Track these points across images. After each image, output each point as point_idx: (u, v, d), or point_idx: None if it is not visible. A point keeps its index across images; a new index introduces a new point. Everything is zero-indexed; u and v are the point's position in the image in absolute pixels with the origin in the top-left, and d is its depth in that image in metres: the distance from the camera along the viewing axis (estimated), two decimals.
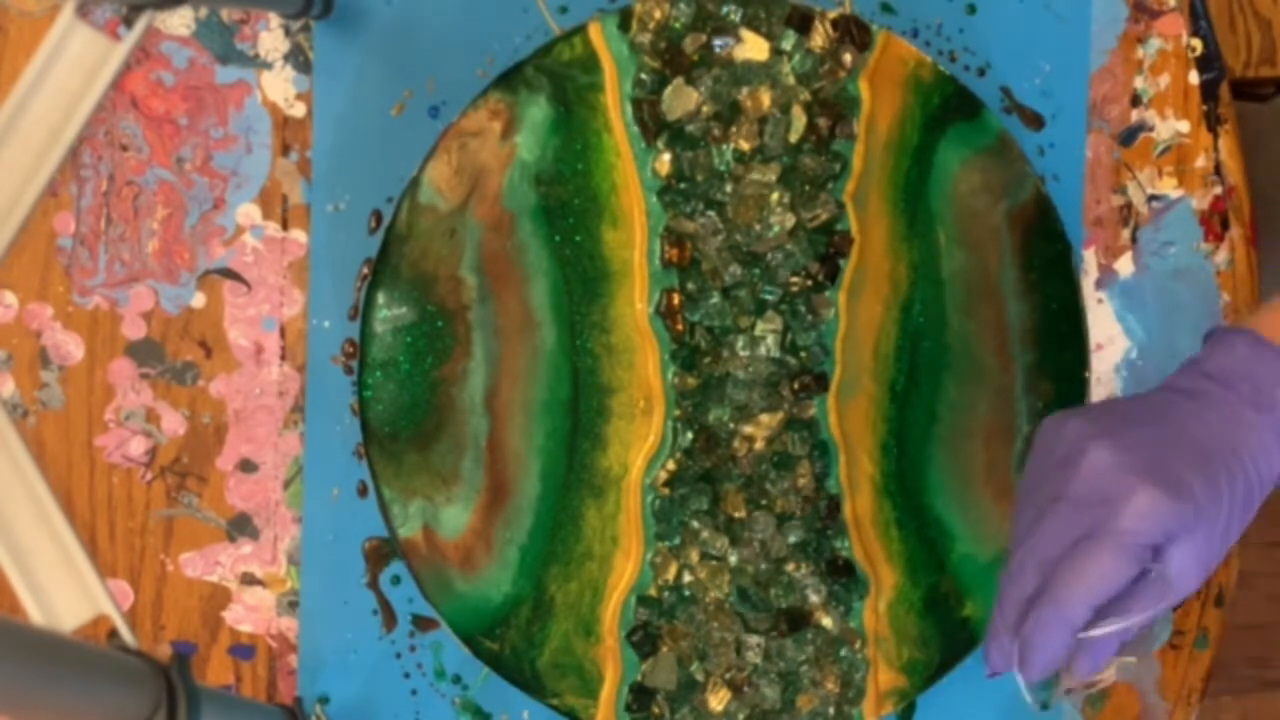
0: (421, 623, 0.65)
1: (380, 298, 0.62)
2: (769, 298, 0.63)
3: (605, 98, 0.63)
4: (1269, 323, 0.55)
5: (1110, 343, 0.67)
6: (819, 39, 0.62)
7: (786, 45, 0.62)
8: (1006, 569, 0.54)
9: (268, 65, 0.65)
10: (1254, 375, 0.53)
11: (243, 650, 0.66)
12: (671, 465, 0.63)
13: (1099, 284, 0.67)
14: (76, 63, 0.64)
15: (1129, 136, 0.68)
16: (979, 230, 0.64)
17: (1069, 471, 0.52)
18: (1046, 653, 0.52)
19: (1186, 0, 0.67)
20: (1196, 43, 0.67)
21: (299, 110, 0.65)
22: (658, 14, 0.62)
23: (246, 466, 0.65)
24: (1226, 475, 0.52)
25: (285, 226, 0.65)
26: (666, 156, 0.63)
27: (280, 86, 0.65)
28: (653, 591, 0.63)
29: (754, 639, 0.63)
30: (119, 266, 0.65)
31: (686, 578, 0.63)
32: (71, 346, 0.65)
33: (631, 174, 0.63)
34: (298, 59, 0.65)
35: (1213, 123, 0.68)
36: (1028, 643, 0.52)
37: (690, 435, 0.63)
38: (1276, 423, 0.53)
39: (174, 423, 0.65)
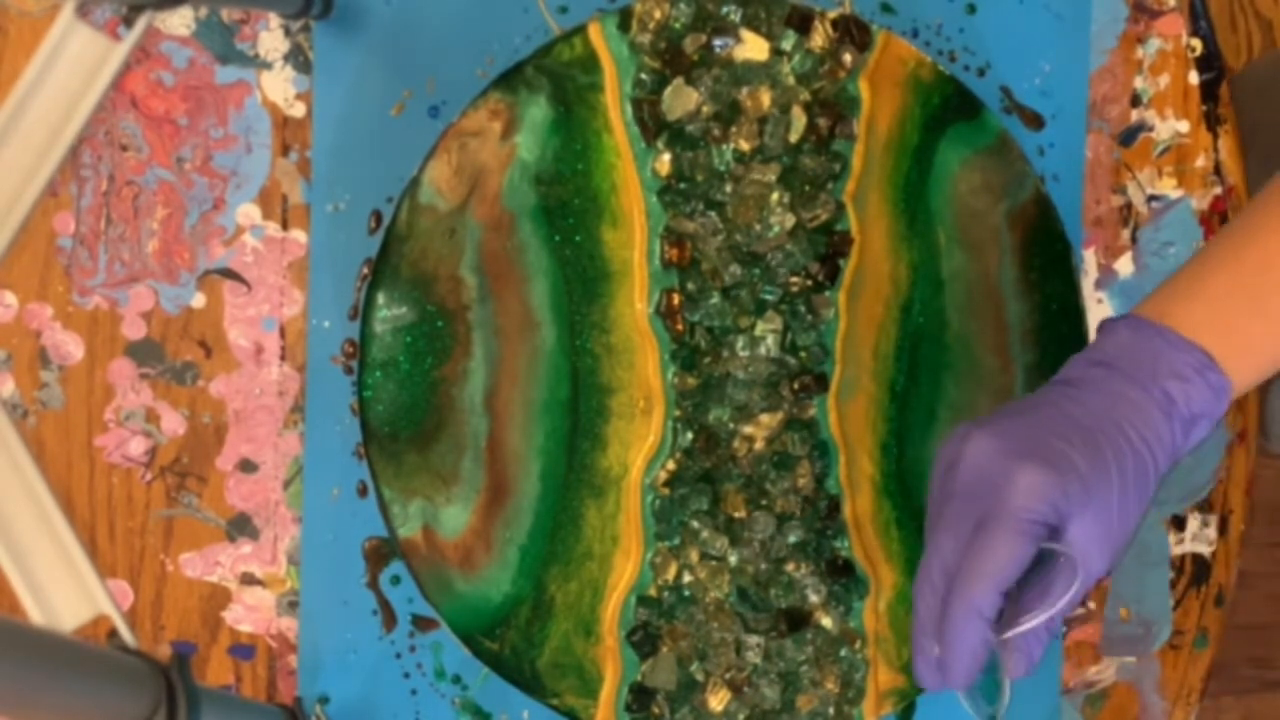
0: (421, 623, 0.65)
1: (380, 298, 0.62)
2: (769, 298, 0.63)
3: (605, 98, 0.63)
4: (1153, 306, 0.55)
5: None
6: (819, 39, 0.62)
7: (786, 45, 0.62)
8: (915, 580, 0.54)
9: (268, 65, 0.65)
10: (1135, 354, 0.54)
11: (243, 650, 0.66)
12: (671, 465, 0.63)
13: (1099, 284, 0.67)
14: (76, 63, 0.64)
15: (1129, 136, 0.68)
16: (979, 230, 0.64)
17: (954, 470, 0.53)
18: (965, 650, 0.52)
19: (1186, 0, 0.67)
20: (1196, 43, 0.67)
21: (299, 110, 0.65)
22: (658, 14, 0.62)
23: (246, 466, 0.65)
24: (1113, 450, 0.52)
25: (285, 226, 0.65)
26: (666, 156, 0.63)
27: (280, 86, 0.65)
28: (653, 591, 0.63)
29: (754, 639, 0.63)
30: (119, 266, 0.65)
31: (686, 578, 0.63)
32: (71, 346, 0.65)
33: (631, 174, 0.63)
34: (298, 59, 0.65)
35: (1213, 123, 0.68)
36: (946, 645, 0.53)
37: (690, 435, 0.63)
38: (1163, 400, 0.53)
39: (174, 423, 0.65)
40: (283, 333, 0.65)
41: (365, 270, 0.65)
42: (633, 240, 0.63)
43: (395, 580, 0.65)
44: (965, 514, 0.52)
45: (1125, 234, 0.68)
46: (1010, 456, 0.51)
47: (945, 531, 0.53)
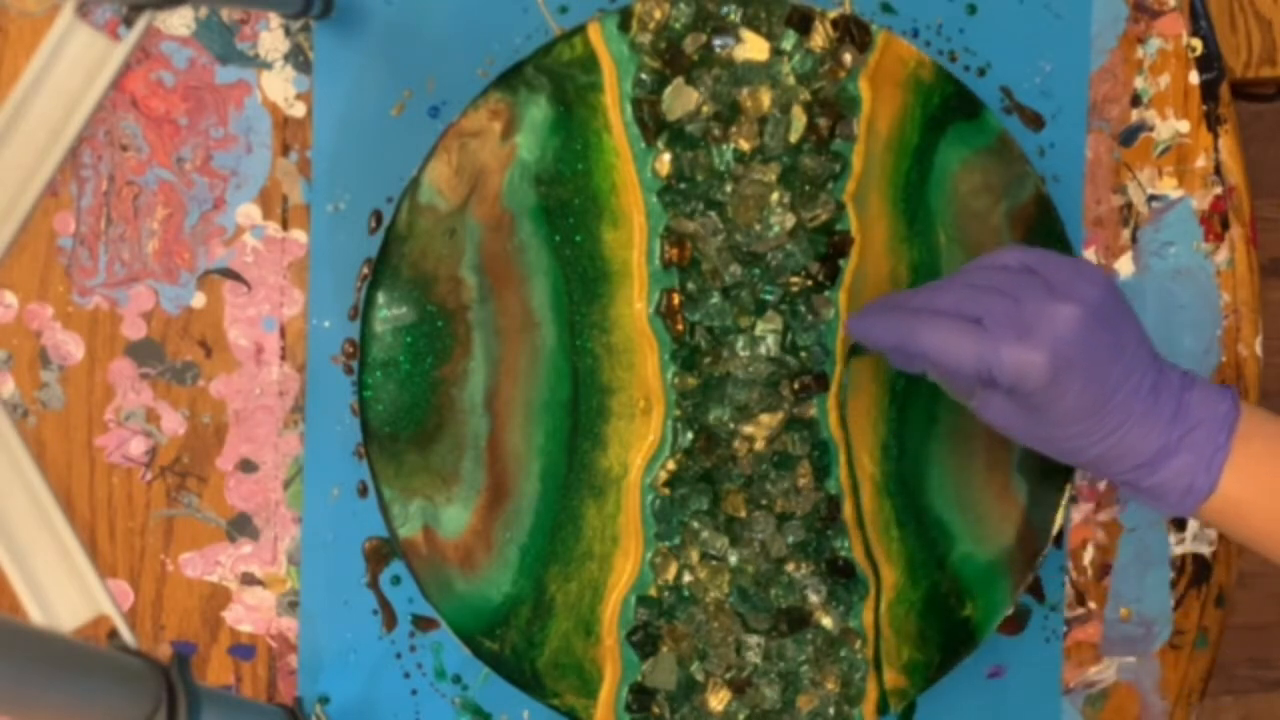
0: (421, 623, 0.65)
1: (380, 298, 0.62)
2: (769, 298, 0.63)
3: (605, 98, 0.63)
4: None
5: None
6: (819, 39, 0.62)
7: (786, 45, 0.62)
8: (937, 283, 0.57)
9: (268, 65, 0.65)
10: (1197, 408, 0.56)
11: (243, 650, 0.66)
12: (671, 465, 0.63)
13: None
14: (76, 63, 0.64)
15: (1129, 136, 0.68)
16: (979, 230, 0.64)
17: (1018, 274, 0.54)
18: (876, 326, 0.57)
19: (1186, 0, 0.67)
20: (1196, 43, 0.67)
21: (299, 110, 0.65)
22: (658, 14, 0.62)
23: (246, 466, 0.65)
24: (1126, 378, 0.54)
25: (285, 226, 0.65)
26: (666, 156, 0.63)
27: (280, 86, 0.65)
28: (653, 591, 0.63)
29: (754, 639, 0.63)
30: (119, 266, 0.65)
31: (686, 578, 0.63)
32: (71, 346, 0.65)
33: (631, 174, 0.63)
34: (298, 59, 0.65)
35: (1213, 123, 0.68)
36: (875, 312, 0.57)
37: (690, 435, 0.63)
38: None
39: (174, 423, 0.65)
40: (283, 333, 0.65)
41: (365, 270, 0.65)
42: (633, 240, 0.63)
43: (395, 580, 0.65)
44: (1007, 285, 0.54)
45: (1125, 234, 0.68)
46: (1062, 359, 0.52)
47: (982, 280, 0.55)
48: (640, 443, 0.63)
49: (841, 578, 0.63)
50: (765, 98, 0.62)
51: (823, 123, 0.63)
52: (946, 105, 0.63)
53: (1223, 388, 0.55)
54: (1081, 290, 0.53)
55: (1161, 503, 0.56)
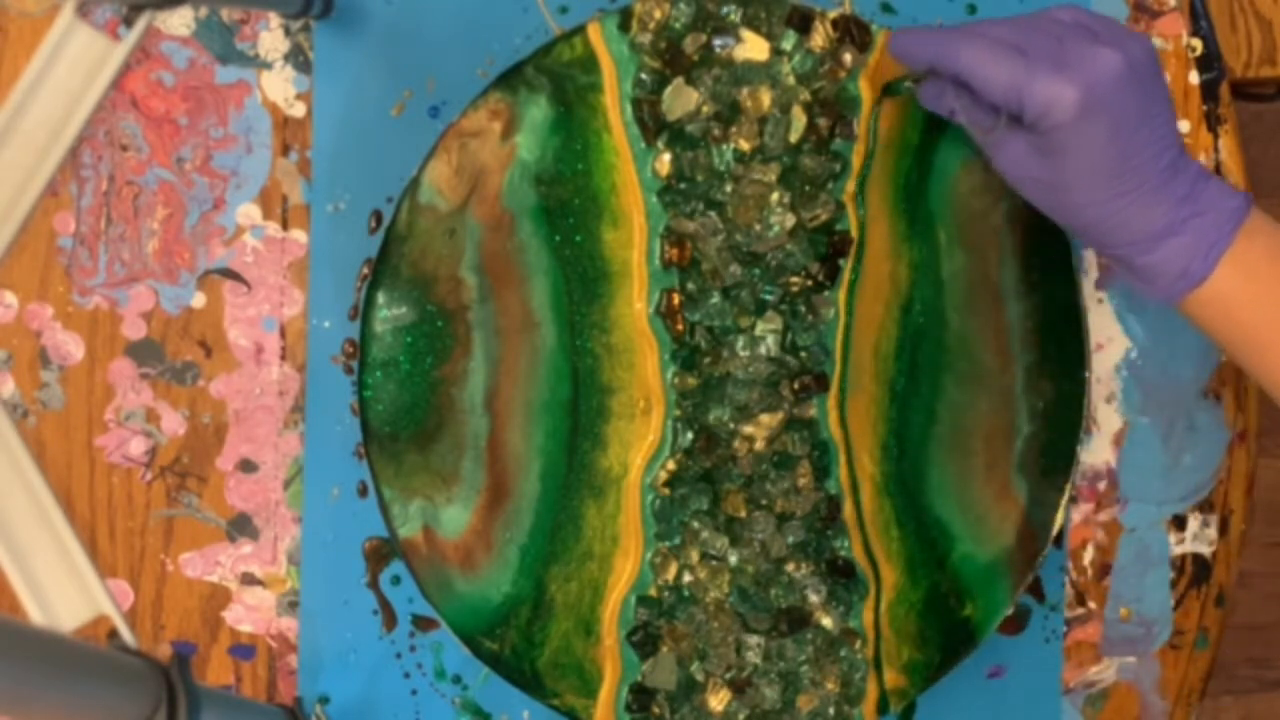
0: (421, 623, 0.65)
1: (380, 298, 0.62)
2: (769, 298, 0.63)
3: (605, 98, 0.63)
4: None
5: (1110, 343, 0.67)
6: (819, 39, 0.62)
7: (786, 45, 0.62)
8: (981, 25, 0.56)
9: (268, 65, 0.65)
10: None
11: (243, 650, 0.66)
12: (671, 465, 0.63)
13: (1099, 284, 0.67)
14: (76, 63, 0.64)
15: None
16: (979, 230, 0.64)
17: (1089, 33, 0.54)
18: (917, 42, 0.56)
19: (1186, 0, 0.67)
20: (1196, 43, 0.67)
21: (299, 110, 0.65)
22: (658, 14, 0.62)
23: (246, 466, 0.65)
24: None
25: (285, 226, 0.65)
26: (666, 156, 0.63)
27: (280, 86, 0.65)
28: (653, 591, 0.63)
29: (754, 639, 0.63)
30: (119, 266, 0.65)
31: (686, 578, 0.63)
32: (71, 346, 0.65)
33: (631, 174, 0.63)
34: (298, 59, 0.65)
35: (1213, 123, 0.68)
36: (918, 30, 0.56)
37: (690, 435, 0.63)
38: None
39: (174, 423, 0.65)
40: (283, 333, 0.65)
41: (365, 270, 0.65)
42: (633, 240, 0.63)
43: (395, 580, 0.65)
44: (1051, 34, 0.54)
45: None
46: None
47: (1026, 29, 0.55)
48: (640, 443, 0.63)
49: (841, 578, 0.63)
50: (765, 98, 0.62)
51: (823, 123, 0.63)
52: None
53: (1239, 191, 0.56)
54: (1126, 43, 0.53)
55: (1152, 286, 0.56)
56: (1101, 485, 0.68)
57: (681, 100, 0.62)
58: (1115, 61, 0.52)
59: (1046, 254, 0.64)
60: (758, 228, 0.63)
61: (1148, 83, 0.54)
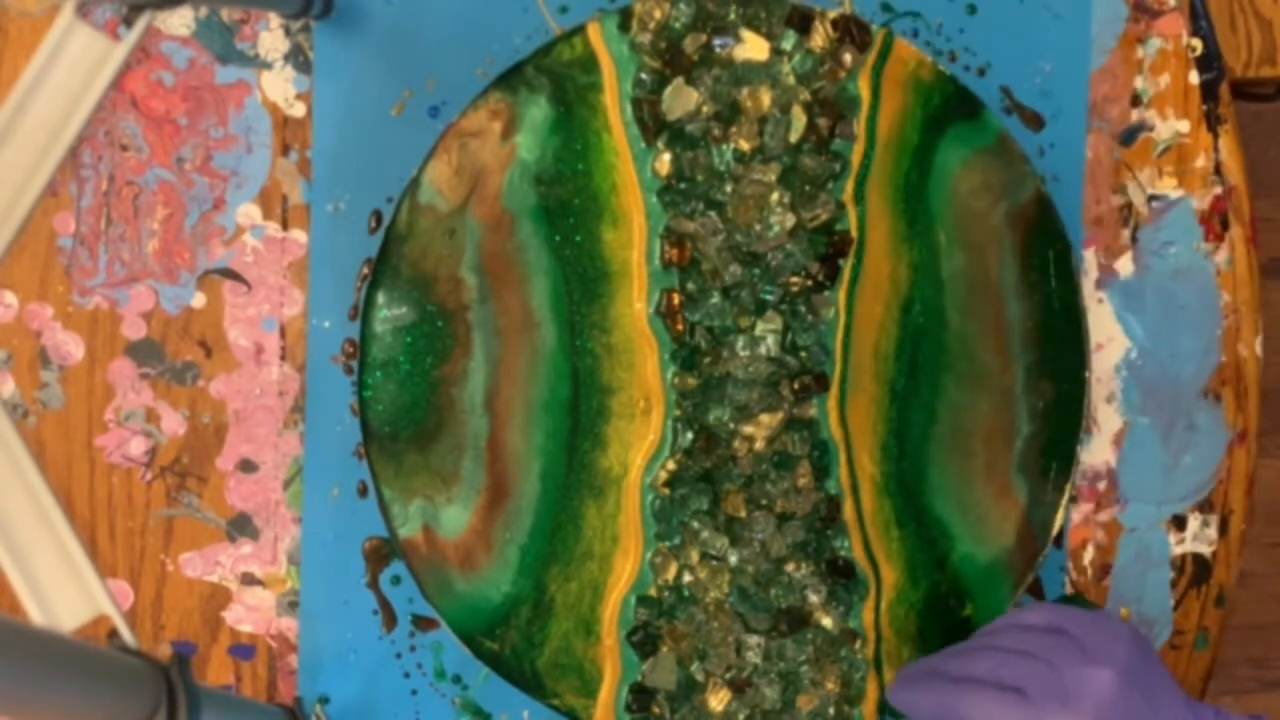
0: (421, 623, 0.65)
1: (380, 298, 0.62)
2: (769, 298, 0.63)
3: (605, 98, 0.63)
4: None
5: (1110, 343, 0.67)
6: (819, 39, 0.62)
7: (786, 45, 0.62)
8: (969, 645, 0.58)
9: (268, 65, 0.65)
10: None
11: (243, 650, 0.66)
12: (671, 465, 0.63)
13: (1099, 284, 0.67)
14: (76, 63, 0.64)
15: (1129, 136, 0.68)
16: (979, 230, 0.64)
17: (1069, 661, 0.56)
18: (919, 699, 0.58)
19: (1186, 0, 0.67)
20: (1196, 43, 0.67)
21: (299, 110, 0.65)
22: (658, 14, 0.62)
23: (246, 466, 0.65)
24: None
25: (285, 226, 0.65)
26: (666, 156, 0.63)
27: (280, 86, 0.65)
28: (653, 591, 0.63)
29: (754, 639, 0.63)
30: (119, 266, 0.65)
31: (686, 578, 0.63)
32: (71, 346, 0.65)
33: (631, 174, 0.63)
34: (298, 59, 0.65)
35: (1213, 123, 0.68)
36: (915, 681, 0.58)
37: (690, 435, 0.63)
38: None
39: (174, 423, 0.65)
40: (283, 333, 0.65)
41: (365, 270, 0.65)
42: (633, 240, 0.63)
43: (395, 580, 0.65)
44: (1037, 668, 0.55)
45: (1125, 234, 0.68)
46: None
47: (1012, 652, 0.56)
48: (640, 443, 0.63)
49: (841, 578, 0.63)
50: (765, 98, 0.62)
51: (823, 123, 0.63)
52: (946, 105, 0.63)
53: (1254, 717, 0.57)
54: (1113, 651, 0.55)
55: None
56: (1101, 485, 0.68)
57: (681, 100, 0.62)
58: (1112, 679, 0.54)
59: (1046, 254, 0.64)
60: (758, 228, 0.63)
61: (1146, 675, 0.55)
